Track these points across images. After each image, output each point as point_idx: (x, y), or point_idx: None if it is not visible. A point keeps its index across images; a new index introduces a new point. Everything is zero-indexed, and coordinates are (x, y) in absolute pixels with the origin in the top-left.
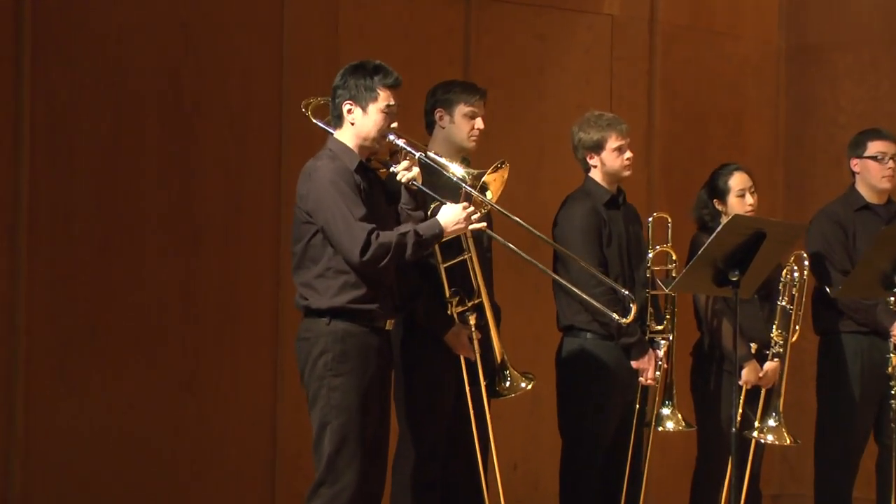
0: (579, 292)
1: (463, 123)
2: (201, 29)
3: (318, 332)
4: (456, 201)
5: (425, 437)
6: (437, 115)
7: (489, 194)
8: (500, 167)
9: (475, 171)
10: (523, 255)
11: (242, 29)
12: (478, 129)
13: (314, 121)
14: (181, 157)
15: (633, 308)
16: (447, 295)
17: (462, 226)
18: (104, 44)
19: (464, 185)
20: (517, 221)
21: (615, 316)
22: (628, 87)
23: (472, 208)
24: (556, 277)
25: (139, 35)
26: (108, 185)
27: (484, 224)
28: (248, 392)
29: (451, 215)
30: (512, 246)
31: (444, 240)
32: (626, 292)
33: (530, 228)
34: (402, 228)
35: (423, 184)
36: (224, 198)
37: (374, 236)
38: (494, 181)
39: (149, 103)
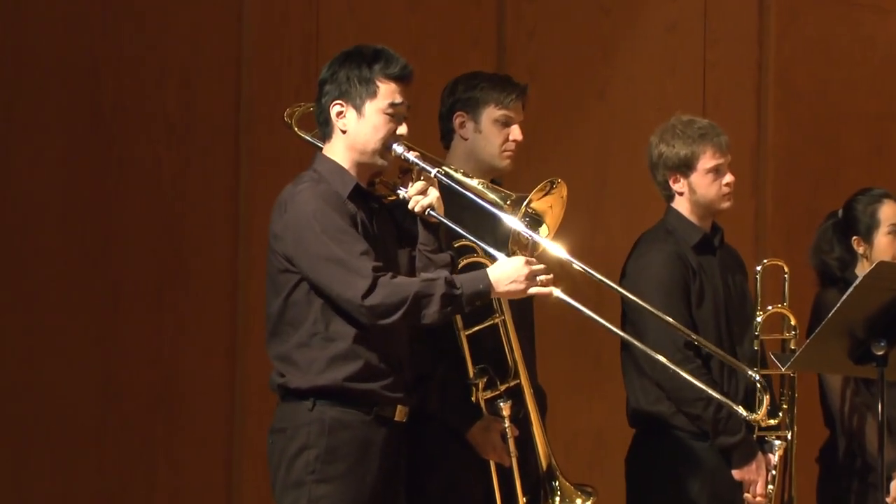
0: (690, 376)
1: (493, 133)
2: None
3: (298, 422)
4: (496, 239)
5: None
6: (458, 122)
7: (543, 230)
8: (553, 188)
9: (514, 195)
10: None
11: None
12: (513, 140)
13: (301, 135)
14: (96, 181)
15: (766, 399)
16: (471, 375)
17: (521, 287)
18: None
19: (498, 212)
20: (585, 271)
21: (740, 410)
22: (729, 82)
23: (540, 266)
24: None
25: (39, 6)
26: None
27: (552, 289)
28: None
29: (507, 270)
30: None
31: (488, 301)
32: (750, 371)
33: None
34: (430, 275)
35: (446, 214)
36: (157, 240)
37: (383, 276)
38: (551, 209)
39: (51, 105)
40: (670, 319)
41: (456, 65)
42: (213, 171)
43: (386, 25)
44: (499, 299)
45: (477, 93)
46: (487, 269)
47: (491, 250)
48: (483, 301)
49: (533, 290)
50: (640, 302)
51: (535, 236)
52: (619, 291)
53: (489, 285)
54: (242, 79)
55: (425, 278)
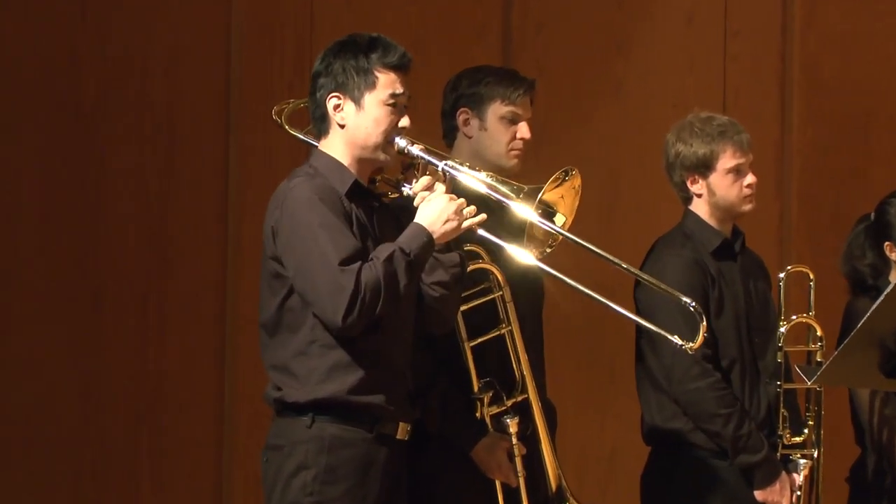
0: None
1: (499, 131)
2: None
3: (295, 439)
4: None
5: None
6: (461, 119)
7: (559, 218)
8: (567, 178)
9: (527, 188)
10: (597, 297)
11: None
12: (521, 139)
13: (293, 132)
14: (77, 181)
15: (702, 327)
16: (476, 389)
17: (454, 223)
18: None
19: (511, 204)
20: (607, 258)
21: (676, 340)
22: (751, 77)
23: (462, 199)
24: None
25: None
26: None
27: (483, 216)
28: None
29: (433, 212)
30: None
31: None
32: (692, 303)
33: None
34: (383, 253)
35: None
36: (142, 243)
37: (362, 286)
38: (563, 199)
39: (29, 99)
40: (686, 299)
41: (459, 59)
42: (201, 170)
43: (384, 16)
44: (505, 309)
45: (482, 88)
46: (416, 221)
47: (503, 243)
48: (432, 249)
49: (466, 224)
50: (657, 283)
51: (554, 227)
52: (638, 275)
53: (428, 232)
54: (232, 73)
55: (383, 260)
